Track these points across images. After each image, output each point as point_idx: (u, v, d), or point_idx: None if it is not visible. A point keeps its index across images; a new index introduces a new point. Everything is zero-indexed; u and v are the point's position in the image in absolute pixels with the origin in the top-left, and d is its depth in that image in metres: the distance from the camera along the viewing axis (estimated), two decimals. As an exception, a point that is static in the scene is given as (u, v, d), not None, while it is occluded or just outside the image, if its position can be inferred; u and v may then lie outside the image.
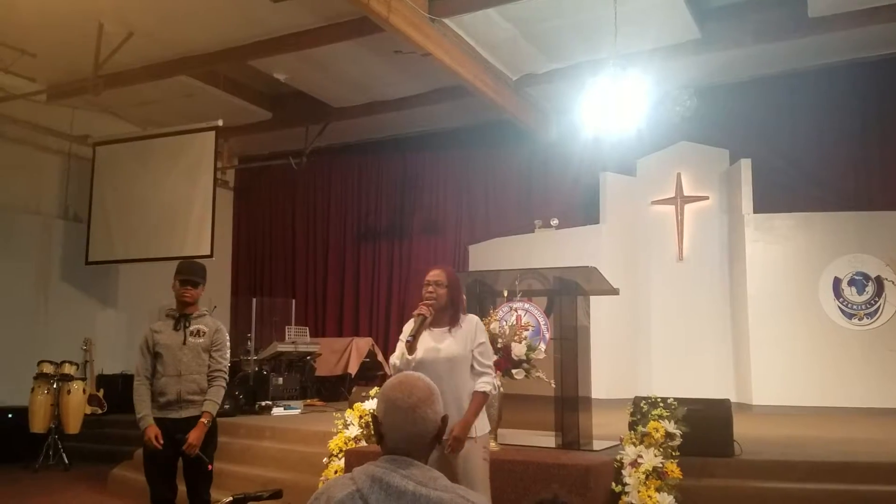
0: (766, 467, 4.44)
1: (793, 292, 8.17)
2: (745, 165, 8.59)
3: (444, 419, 1.76)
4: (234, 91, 9.66)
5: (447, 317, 3.38)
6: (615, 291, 5.01)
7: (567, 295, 4.79)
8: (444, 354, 3.29)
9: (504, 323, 4.47)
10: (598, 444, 4.64)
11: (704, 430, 4.44)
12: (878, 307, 7.91)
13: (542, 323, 4.81)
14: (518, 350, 4.20)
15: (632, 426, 4.31)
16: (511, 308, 4.75)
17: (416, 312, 3.39)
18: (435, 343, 3.33)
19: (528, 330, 4.59)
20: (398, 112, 10.01)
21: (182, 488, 3.92)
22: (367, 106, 10.04)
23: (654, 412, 4.26)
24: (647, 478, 3.81)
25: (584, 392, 4.75)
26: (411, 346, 3.33)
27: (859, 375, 7.77)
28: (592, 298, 5.06)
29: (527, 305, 4.81)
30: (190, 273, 4.00)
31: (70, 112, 9.56)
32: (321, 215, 12.09)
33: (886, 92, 8.49)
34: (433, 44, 7.18)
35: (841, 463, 4.61)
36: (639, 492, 3.77)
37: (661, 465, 3.88)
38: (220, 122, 9.19)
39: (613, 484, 3.94)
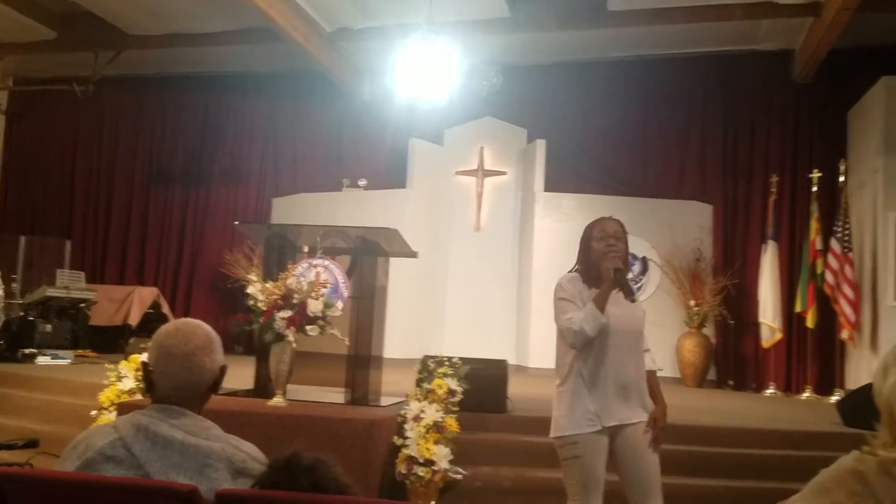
0: (533, 423, 4.81)
1: (571, 267, 8.85)
2: (540, 146, 9.14)
3: (223, 369, 1.71)
4: (14, 3, 8.51)
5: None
6: (414, 255, 5.13)
7: (368, 255, 4.83)
8: (628, 323, 2.84)
9: (302, 279, 4.42)
10: (385, 401, 4.77)
11: (483, 387, 4.74)
12: (643, 284, 8.83)
13: (340, 281, 4.81)
14: (314, 307, 4.16)
15: (418, 383, 4.47)
16: (311, 265, 4.69)
17: (606, 266, 2.79)
18: (620, 309, 2.82)
19: (326, 287, 4.56)
20: (202, 48, 9.41)
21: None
22: (168, 37, 9.31)
23: (439, 370, 4.45)
24: (427, 431, 3.98)
25: (377, 351, 4.85)
26: (603, 306, 2.75)
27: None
28: (393, 260, 5.16)
29: (327, 263, 4.78)
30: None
31: None
32: (108, 151, 11.05)
33: (668, 90, 9.35)
34: (244, -21, 6.81)
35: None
36: (418, 444, 3.94)
37: (441, 420, 4.08)
38: (-7, 36, 8.09)
39: (396, 437, 4.08)
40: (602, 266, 2.82)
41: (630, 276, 2.88)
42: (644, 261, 8.84)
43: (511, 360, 7.99)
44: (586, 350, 2.83)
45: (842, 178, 7.80)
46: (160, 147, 10.95)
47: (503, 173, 9.58)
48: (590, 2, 7.83)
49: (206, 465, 1.56)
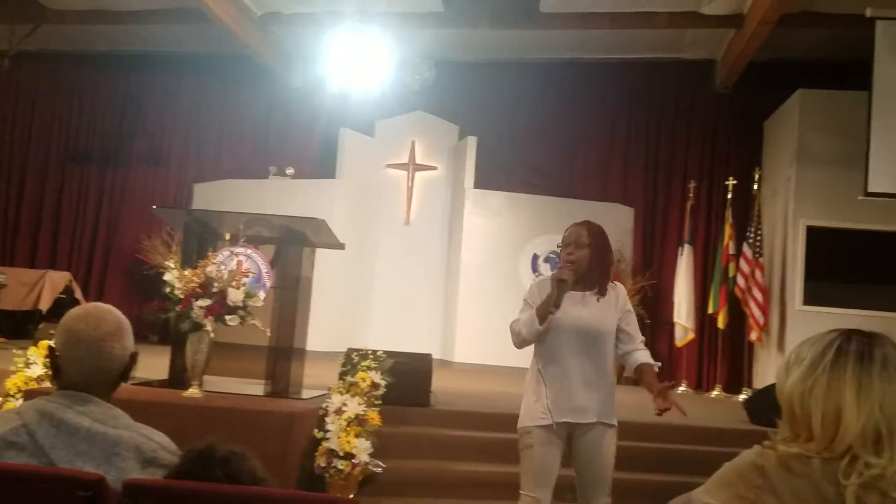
0: (455, 417, 4.86)
1: (499, 264, 8.98)
2: (471, 142, 9.20)
3: (134, 356, 1.65)
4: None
5: (592, 280, 2.93)
6: (341, 246, 5.08)
7: (293, 245, 4.76)
8: (592, 324, 2.90)
9: (223, 267, 4.31)
10: (307, 394, 4.71)
11: (407, 381, 4.74)
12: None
13: (263, 271, 4.72)
14: (235, 296, 4.06)
15: (341, 376, 4.44)
16: (232, 253, 4.59)
17: (554, 276, 2.88)
18: (580, 310, 2.90)
19: (248, 277, 4.47)
20: (126, 26, 9.07)
21: None
22: (91, 13, 8.91)
23: (363, 363, 4.42)
24: (348, 425, 3.96)
25: (299, 343, 4.78)
26: (544, 315, 2.86)
27: (544, 341, 8.81)
28: (320, 252, 5.09)
29: (249, 251, 4.68)
30: None
31: None
32: (21, 128, 10.47)
33: (595, 94, 9.55)
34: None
35: (517, 416, 5.20)
36: (339, 438, 3.91)
37: (363, 413, 4.05)
38: None
39: (316, 430, 4.03)
40: (552, 275, 2.94)
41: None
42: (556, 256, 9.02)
43: (437, 355, 8.02)
44: (545, 348, 2.96)
45: (756, 186, 8.15)
46: (77, 126, 10.46)
47: (434, 168, 9.59)
48: (522, 2, 7.92)
49: (113, 454, 1.51)
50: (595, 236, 2.97)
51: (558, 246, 3.04)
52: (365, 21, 5.86)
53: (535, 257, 9.04)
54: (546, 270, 9.02)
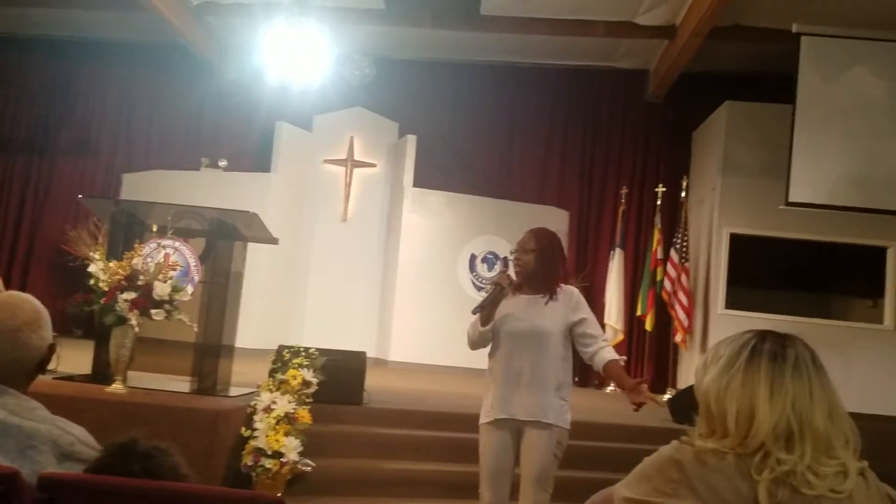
0: (388, 415, 4.86)
1: (437, 263, 9.01)
2: (411, 141, 9.19)
3: (52, 347, 1.60)
4: None
5: (538, 284, 3.03)
6: (274, 241, 5.01)
7: (224, 238, 4.67)
8: (532, 326, 2.99)
9: (149, 260, 4.20)
10: (235, 391, 4.63)
11: (340, 379, 4.71)
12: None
13: (192, 264, 4.62)
14: (161, 289, 3.97)
15: (272, 373, 4.37)
16: (160, 245, 4.48)
17: (493, 279, 3.04)
18: (519, 312, 3.02)
19: (175, 270, 4.37)
20: (56, 10, 8.73)
21: None
22: (20, -6, 8.55)
23: (295, 361, 4.37)
24: (277, 423, 3.90)
25: (228, 339, 4.69)
26: (485, 318, 2.99)
27: (480, 340, 8.86)
28: (253, 246, 5.00)
29: (178, 244, 4.57)
30: None
31: None
32: (-59, 113, 9.98)
33: (534, 98, 9.67)
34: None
35: (451, 414, 5.24)
36: (267, 436, 3.86)
37: (293, 411, 4.01)
38: None
39: (244, 428, 3.97)
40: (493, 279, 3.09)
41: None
42: (505, 260, 9.11)
43: (371, 353, 7.99)
44: (494, 349, 3.10)
45: (683, 194, 8.42)
46: (2, 113, 9.99)
47: (373, 165, 9.54)
48: (463, 4, 7.97)
49: (29, 447, 1.46)
50: (542, 242, 3.07)
51: (512, 252, 3.19)
52: (303, 14, 5.78)
53: (473, 257, 9.11)
54: (483, 271, 9.09)
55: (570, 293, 3.11)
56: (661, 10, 7.61)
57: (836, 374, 1.40)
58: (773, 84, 7.84)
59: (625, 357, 3.18)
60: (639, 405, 2.93)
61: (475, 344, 3.12)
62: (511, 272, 3.17)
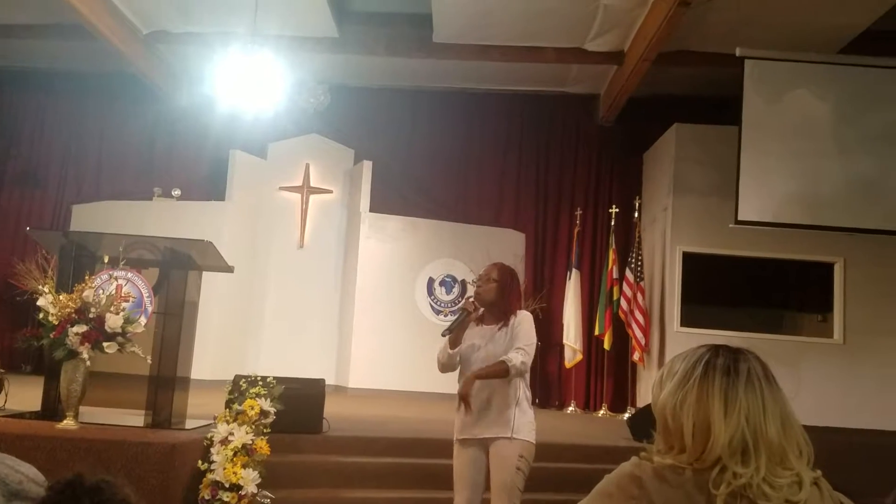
0: (349, 443, 4.79)
1: (395, 288, 8.98)
2: (367, 167, 9.21)
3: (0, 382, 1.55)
4: None
5: (496, 313, 3.29)
6: (230, 269, 4.94)
7: (178, 268, 4.59)
8: (484, 353, 3.24)
9: (101, 292, 4.10)
10: (191, 423, 4.53)
11: (298, 407, 4.64)
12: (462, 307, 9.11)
13: (145, 295, 4.54)
14: (113, 322, 3.88)
15: (228, 404, 4.29)
16: (111, 276, 4.38)
17: (459, 305, 3.29)
18: (479, 340, 3.29)
19: (128, 301, 4.28)
20: (2, 40, 8.52)
21: None
22: (-38, 24, 8.35)
23: (252, 390, 4.30)
24: (234, 455, 3.82)
25: (183, 371, 4.60)
26: (453, 341, 3.25)
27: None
28: (208, 276, 4.93)
29: (130, 275, 4.48)
30: None
31: None
32: None
33: (488, 123, 9.79)
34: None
35: (413, 440, 5.20)
36: (224, 468, 3.77)
37: (251, 443, 3.93)
38: None
39: (201, 462, 3.88)
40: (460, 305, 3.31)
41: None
42: (463, 283, 9.14)
43: (331, 381, 7.90)
44: (460, 374, 3.34)
45: (636, 214, 8.58)
46: (-56, 142, 9.72)
47: (329, 191, 9.51)
48: (417, 32, 8.05)
49: (-26, 489, 1.40)
50: (503, 276, 3.36)
51: (473, 281, 3.50)
52: (257, 43, 5.77)
53: (431, 281, 9.11)
54: (442, 294, 9.10)
55: (518, 317, 3.32)
56: (609, 36, 7.80)
57: (787, 388, 1.42)
58: (720, 106, 8.07)
59: (511, 360, 3.17)
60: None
61: (444, 367, 3.35)
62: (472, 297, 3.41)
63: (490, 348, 3.25)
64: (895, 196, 7.15)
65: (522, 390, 3.28)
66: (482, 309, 3.33)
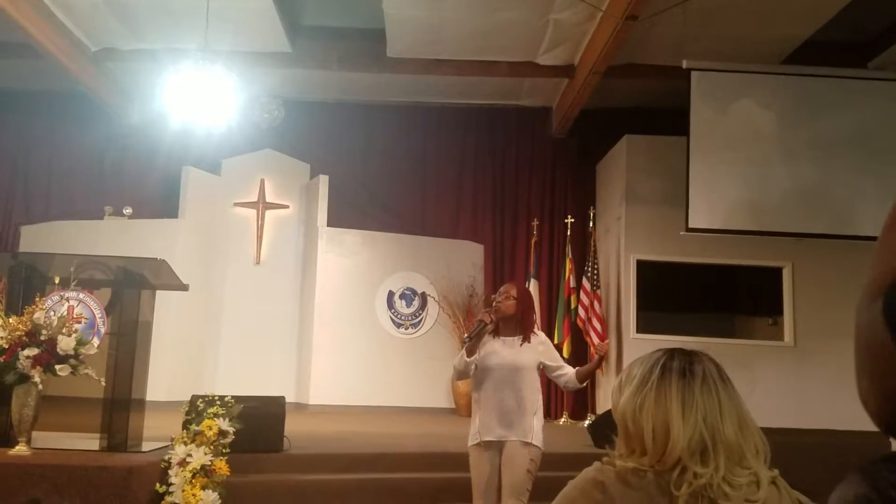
0: (310, 460, 4.75)
1: (354, 302, 8.94)
2: (324, 181, 9.17)
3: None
4: None
5: (517, 328, 3.67)
6: (184, 287, 4.87)
7: (131, 287, 4.51)
8: (509, 361, 3.61)
9: (52, 313, 4.00)
10: (148, 446, 4.43)
11: (258, 426, 4.58)
12: (422, 319, 9.12)
13: (97, 316, 4.45)
14: (65, 344, 3.79)
15: (186, 425, 4.22)
16: (63, 297, 4.28)
17: (477, 318, 3.65)
18: (506, 352, 3.64)
19: (80, 323, 4.19)
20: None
21: None
22: None
23: (210, 410, 4.23)
24: (193, 476, 3.75)
25: (138, 392, 4.51)
26: (470, 349, 3.56)
27: (403, 378, 8.80)
28: (162, 295, 4.85)
29: (81, 296, 4.39)
30: None
31: None
32: None
33: (444, 137, 9.84)
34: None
35: (375, 455, 5.17)
36: (183, 491, 3.70)
37: (209, 463, 3.87)
38: None
39: (158, 484, 3.80)
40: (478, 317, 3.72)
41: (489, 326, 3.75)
42: (423, 296, 9.14)
43: (291, 398, 7.82)
44: (478, 381, 3.71)
45: (591, 224, 8.71)
46: None
47: (285, 206, 9.44)
48: (370, 46, 8.08)
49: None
50: (521, 293, 3.81)
51: (492, 297, 3.89)
52: (208, 59, 5.72)
53: (391, 294, 9.09)
54: (402, 307, 9.08)
55: (541, 337, 3.81)
56: (559, 50, 7.93)
57: (741, 390, 1.46)
58: (669, 117, 8.24)
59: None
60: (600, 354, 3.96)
61: (461, 374, 3.71)
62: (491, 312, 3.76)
63: (517, 359, 3.63)
64: (839, 202, 7.38)
65: (540, 402, 3.73)
66: (497, 321, 3.68)
